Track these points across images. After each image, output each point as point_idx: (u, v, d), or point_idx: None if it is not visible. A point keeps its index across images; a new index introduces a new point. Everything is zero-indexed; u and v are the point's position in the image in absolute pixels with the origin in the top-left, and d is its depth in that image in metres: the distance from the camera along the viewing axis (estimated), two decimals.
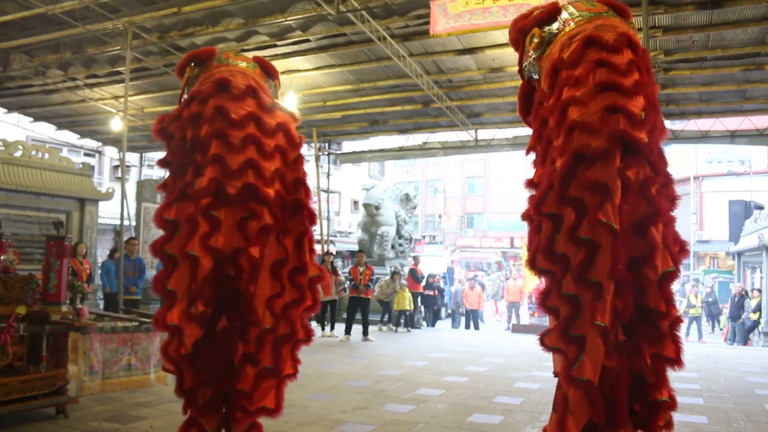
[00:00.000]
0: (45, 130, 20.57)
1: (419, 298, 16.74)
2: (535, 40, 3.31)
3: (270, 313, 3.69)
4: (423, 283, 17.19)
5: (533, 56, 3.34)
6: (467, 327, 18.39)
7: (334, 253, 22.49)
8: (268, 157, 3.73)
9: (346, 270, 15.42)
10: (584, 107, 2.92)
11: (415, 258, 18.48)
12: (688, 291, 19.31)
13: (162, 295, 3.65)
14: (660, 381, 3.04)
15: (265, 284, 3.67)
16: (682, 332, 3.20)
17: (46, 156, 13.34)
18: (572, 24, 3.22)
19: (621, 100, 2.89)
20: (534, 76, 3.41)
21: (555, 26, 3.28)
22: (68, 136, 21.50)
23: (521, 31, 3.46)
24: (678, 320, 3.06)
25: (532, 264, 3.01)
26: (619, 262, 2.80)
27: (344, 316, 13.73)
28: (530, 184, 3.19)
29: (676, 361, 3.01)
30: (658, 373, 3.03)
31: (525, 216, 3.14)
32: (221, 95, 3.69)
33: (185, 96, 3.95)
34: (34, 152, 13.16)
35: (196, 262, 3.48)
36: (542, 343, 3.02)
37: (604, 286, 2.79)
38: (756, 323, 16.68)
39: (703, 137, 16.65)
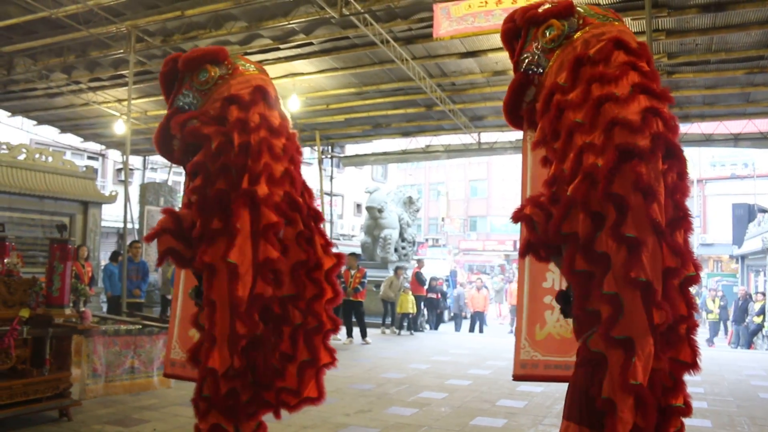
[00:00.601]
0: (48, 134, 20.62)
1: (422, 301, 16.78)
2: (553, 31, 3.18)
3: (297, 311, 3.77)
4: (426, 286, 17.21)
5: (543, 47, 3.21)
6: (471, 329, 18.35)
7: None
8: (293, 163, 3.81)
9: None
10: (624, 106, 2.87)
11: (419, 261, 18.50)
12: (708, 296, 19.28)
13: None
14: (677, 386, 3.00)
15: (289, 286, 3.74)
16: (700, 337, 3.19)
17: (50, 159, 13.36)
18: (594, 22, 3.20)
19: (657, 104, 2.91)
20: (537, 70, 3.25)
21: (574, 21, 3.25)
22: (72, 139, 21.53)
23: (532, 21, 3.32)
24: (695, 324, 3.03)
25: (571, 268, 2.90)
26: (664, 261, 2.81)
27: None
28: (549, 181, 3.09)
29: (693, 366, 3.00)
30: (675, 377, 3.00)
31: (521, 216, 3.08)
32: (261, 103, 3.70)
33: (210, 95, 3.71)
34: (37, 155, 13.18)
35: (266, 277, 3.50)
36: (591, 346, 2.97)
37: (654, 284, 2.76)
38: (760, 326, 16.64)
39: (707, 140, 16.62)
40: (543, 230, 2.98)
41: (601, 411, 2.79)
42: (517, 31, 3.41)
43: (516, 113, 3.44)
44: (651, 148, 2.82)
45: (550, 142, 3.05)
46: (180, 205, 3.99)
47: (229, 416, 3.54)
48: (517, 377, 3.81)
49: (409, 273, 18.07)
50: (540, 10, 3.30)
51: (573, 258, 2.84)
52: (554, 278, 3.74)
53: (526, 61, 3.27)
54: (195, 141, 3.61)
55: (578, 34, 3.17)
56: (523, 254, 3.16)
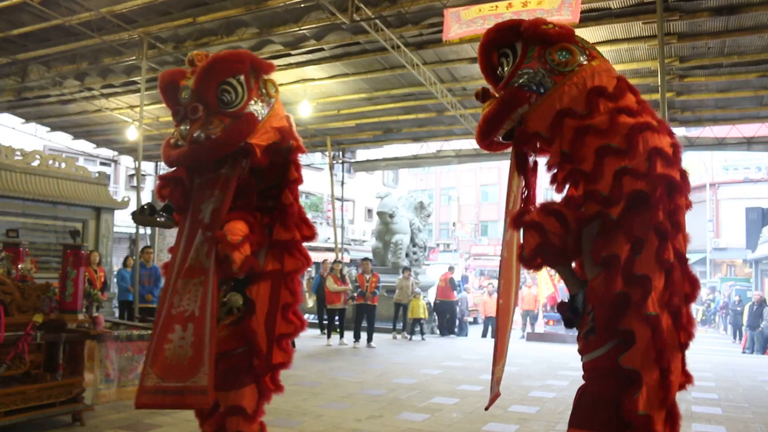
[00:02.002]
0: (62, 140, 20.77)
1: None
2: (568, 56, 3.20)
3: None
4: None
5: (551, 68, 3.19)
6: (484, 335, 18.30)
7: (349, 261, 22.53)
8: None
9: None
10: (658, 137, 3.02)
11: (450, 268, 18.62)
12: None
13: None
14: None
15: None
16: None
17: (63, 165, 13.47)
18: (596, 55, 3.28)
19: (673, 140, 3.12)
20: (538, 89, 3.21)
21: (581, 49, 3.25)
22: (84, 145, 21.70)
23: (540, 39, 3.26)
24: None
25: (611, 288, 2.94)
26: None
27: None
28: (571, 199, 3.14)
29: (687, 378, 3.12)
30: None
31: (531, 223, 3.11)
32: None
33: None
34: (51, 162, 13.30)
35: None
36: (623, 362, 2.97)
37: (681, 307, 3.00)
38: None
39: (720, 144, 16.54)
40: (559, 239, 3.03)
41: (625, 422, 2.90)
42: (506, 42, 3.36)
43: (497, 130, 3.36)
44: (681, 180, 3.03)
45: (567, 164, 3.10)
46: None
47: None
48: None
49: (420, 278, 18.08)
50: (551, 29, 3.26)
51: (614, 279, 2.92)
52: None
53: (525, 77, 3.22)
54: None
55: (587, 63, 3.22)
56: (531, 259, 3.12)
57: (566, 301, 3.23)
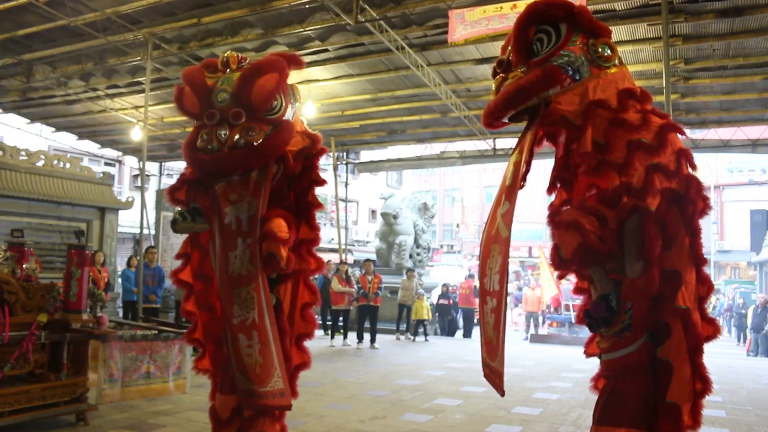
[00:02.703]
0: (66, 140, 20.84)
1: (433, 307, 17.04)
2: (610, 52, 3.28)
3: None
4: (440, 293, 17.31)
5: (592, 59, 3.24)
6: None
7: (352, 262, 22.52)
8: None
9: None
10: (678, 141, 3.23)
11: (470, 275, 18.78)
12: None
13: None
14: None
15: None
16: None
17: (68, 165, 13.49)
18: (622, 62, 3.41)
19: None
20: (574, 75, 3.22)
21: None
22: (89, 145, 21.76)
23: (588, 28, 3.27)
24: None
25: (651, 284, 3.07)
26: None
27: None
28: (605, 195, 3.13)
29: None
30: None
31: (571, 223, 3.09)
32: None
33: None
34: (55, 162, 13.32)
35: None
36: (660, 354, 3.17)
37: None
38: None
39: (724, 146, 16.50)
40: (600, 239, 3.04)
41: (655, 415, 3.12)
42: (551, 19, 3.25)
43: (525, 102, 3.30)
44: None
45: (598, 154, 3.13)
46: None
47: None
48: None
49: (424, 279, 18.07)
50: (600, 22, 3.34)
51: (653, 274, 3.07)
52: (487, 280, 3.43)
53: (565, 59, 3.22)
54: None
55: (620, 65, 3.35)
56: (571, 261, 3.06)
57: (600, 301, 3.22)
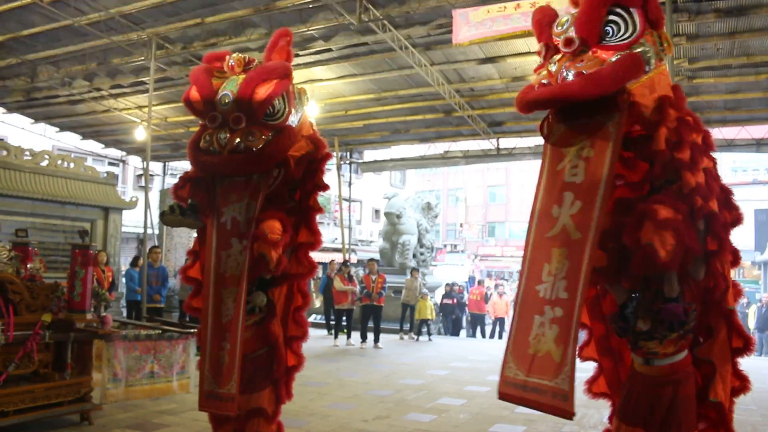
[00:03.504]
0: (70, 140, 20.86)
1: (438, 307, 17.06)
2: (666, 44, 3.21)
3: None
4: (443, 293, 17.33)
5: (658, 54, 3.16)
6: (492, 336, 18.31)
7: (356, 261, 22.53)
8: None
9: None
10: None
11: (480, 282, 18.90)
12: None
13: None
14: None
15: None
16: None
17: (72, 165, 13.50)
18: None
19: None
20: (646, 67, 3.10)
21: None
22: (93, 145, 21.78)
23: (657, 18, 3.17)
24: None
25: (717, 287, 3.18)
26: None
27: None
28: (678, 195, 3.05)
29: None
30: None
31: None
32: None
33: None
34: (59, 162, 13.33)
35: None
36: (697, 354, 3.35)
37: None
38: None
39: (729, 146, 16.45)
40: (693, 239, 3.05)
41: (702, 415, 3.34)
42: (627, 2, 3.11)
43: (618, 87, 3.02)
44: None
45: (668, 151, 3.04)
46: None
47: None
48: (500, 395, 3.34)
49: (428, 279, 18.05)
50: (662, 14, 3.31)
51: (719, 278, 3.21)
52: (546, 287, 3.16)
53: (644, 49, 3.11)
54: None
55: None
56: (672, 260, 2.94)
57: (677, 303, 3.21)
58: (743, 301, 20.57)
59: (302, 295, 4.19)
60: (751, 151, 16.68)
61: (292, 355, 4.21)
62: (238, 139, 3.61)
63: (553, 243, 3.12)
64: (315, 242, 4.14)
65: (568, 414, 2.91)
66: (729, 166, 35.27)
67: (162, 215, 4.04)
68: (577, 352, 2.97)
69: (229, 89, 3.70)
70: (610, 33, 3.07)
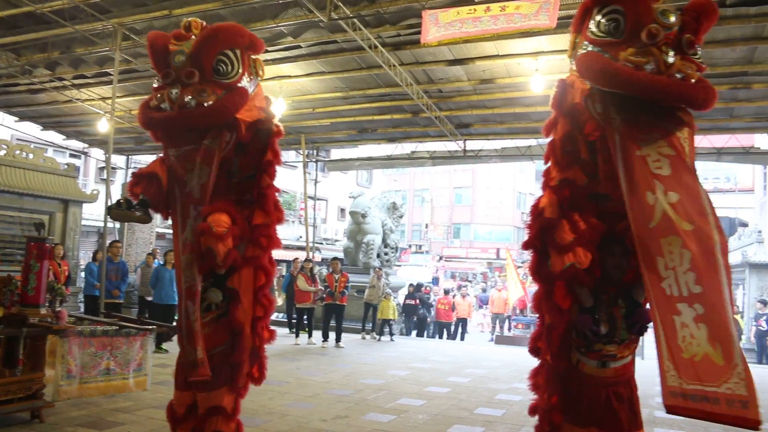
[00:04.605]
0: (30, 130, 20.36)
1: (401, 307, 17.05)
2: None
3: None
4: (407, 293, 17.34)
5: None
6: (453, 337, 18.39)
7: (320, 260, 22.43)
8: None
9: None
10: None
11: (446, 291, 19.25)
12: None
13: None
14: None
15: None
16: None
17: (31, 156, 13.22)
18: None
19: None
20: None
21: None
22: (54, 136, 21.32)
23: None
24: None
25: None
26: None
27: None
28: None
29: None
30: None
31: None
32: None
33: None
34: (18, 152, 13.04)
35: None
36: None
37: None
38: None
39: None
40: None
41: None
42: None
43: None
44: None
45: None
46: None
47: None
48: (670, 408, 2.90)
49: (391, 279, 18.05)
50: None
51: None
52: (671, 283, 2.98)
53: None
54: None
55: None
56: None
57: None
58: None
59: (264, 274, 4.12)
60: (712, 159, 16.99)
61: (258, 336, 4.16)
62: (189, 96, 3.63)
63: (661, 234, 3.01)
64: (271, 221, 4.08)
65: (751, 423, 2.66)
66: None
67: (109, 209, 4.07)
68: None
69: (184, 47, 3.76)
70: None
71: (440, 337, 18.45)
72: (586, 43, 3.33)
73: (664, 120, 3.21)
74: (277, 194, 4.18)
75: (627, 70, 3.03)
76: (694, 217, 2.98)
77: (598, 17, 3.27)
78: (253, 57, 4.04)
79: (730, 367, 2.72)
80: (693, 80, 3.06)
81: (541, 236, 3.38)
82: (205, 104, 3.63)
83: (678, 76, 3.03)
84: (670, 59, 3.01)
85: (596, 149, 3.41)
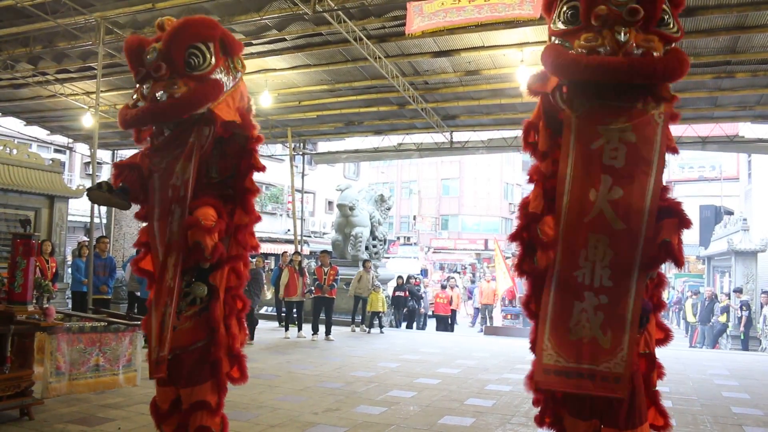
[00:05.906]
0: (13, 125, 20.18)
1: (390, 299, 17.03)
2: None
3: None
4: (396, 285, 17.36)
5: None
6: (451, 329, 18.47)
7: (308, 253, 22.39)
8: None
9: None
10: None
11: (443, 286, 19.01)
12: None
13: None
14: None
15: None
16: None
17: (14, 152, 13.09)
18: None
19: None
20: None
21: None
22: (38, 131, 21.15)
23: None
24: None
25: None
26: None
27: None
28: None
29: None
30: None
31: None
32: None
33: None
34: (1, 147, 12.91)
35: None
36: None
37: None
38: (725, 326, 16.91)
39: (676, 143, 16.84)
40: None
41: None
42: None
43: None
44: None
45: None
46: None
47: None
48: (539, 383, 3.39)
49: (380, 271, 18.06)
50: None
51: None
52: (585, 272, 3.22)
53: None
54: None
55: None
56: None
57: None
58: (687, 294, 21.20)
59: (236, 275, 4.13)
60: (696, 148, 17.15)
61: (232, 336, 4.14)
62: (161, 90, 3.62)
63: (590, 229, 3.17)
64: (250, 221, 4.13)
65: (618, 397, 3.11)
66: (676, 163, 36.29)
67: (89, 191, 4.08)
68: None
69: (157, 45, 3.75)
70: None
71: (444, 329, 18.48)
72: (553, 36, 3.32)
73: (637, 100, 3.18)
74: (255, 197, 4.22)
75: (579, 56, 3.01)
76: (631, 215, 3.11)
77: (564, 8, 3.26)
78: (232, 55, 4.02)
79: (615, 351, 3.07)
80: (655, 53, 3.00)
81: (528, 230, 3.40)
82: (176, 95, 3.63)
83: (637, 52, 2.98)
84: (622, 37, 2.97)
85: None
